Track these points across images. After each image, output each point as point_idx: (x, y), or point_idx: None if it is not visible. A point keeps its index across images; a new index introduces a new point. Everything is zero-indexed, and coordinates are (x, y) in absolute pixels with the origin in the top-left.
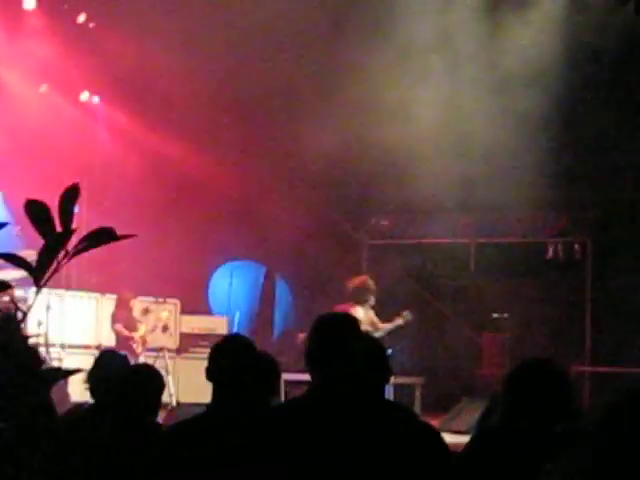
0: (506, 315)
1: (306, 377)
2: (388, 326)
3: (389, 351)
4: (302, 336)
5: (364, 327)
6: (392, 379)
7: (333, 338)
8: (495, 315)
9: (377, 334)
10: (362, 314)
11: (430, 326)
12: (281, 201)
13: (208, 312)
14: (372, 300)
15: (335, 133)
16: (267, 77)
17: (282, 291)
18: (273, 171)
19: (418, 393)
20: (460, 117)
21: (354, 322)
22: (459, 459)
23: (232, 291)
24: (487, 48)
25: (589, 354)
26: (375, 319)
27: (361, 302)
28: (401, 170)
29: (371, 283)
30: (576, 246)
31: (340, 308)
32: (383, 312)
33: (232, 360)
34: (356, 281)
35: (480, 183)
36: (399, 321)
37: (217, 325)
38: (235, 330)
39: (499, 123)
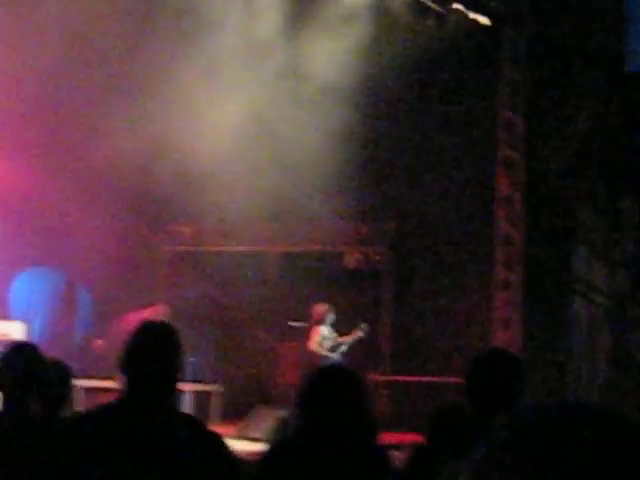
0: (304, 324)
1: (105, 384)
2: (349, 339)
3: (192, 360)
4: (100, 342)
5: (329, 343)
6: (192, 387)
7: (141, 344)
8: (293, 324)
9: (342, 348)
10: (327, 332)
11: (230, 334)
12: (81, 207)
13: (4, 317)
14: (332, 319)
15: (138, 140)
16: (69, 84)
17: (82, 297)
18: (72, 177)
19: (215, 401)
20: (266, 128)
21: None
22: (256, 468)
23: (32, 298)
24: (296, 63)
25: (388, 363)
26: (336, 335)
27: (325, 323)
28: (205, 178)
29: (331, 308)
30: (376, 256)
31: (144, 313)
32: (179, 319)
33: (16, 368)
34: (318, 309)
35: (283, 192)
36: (358, 333)
37: (13, 330)
38: (35, 337)
39: (304, 135)
